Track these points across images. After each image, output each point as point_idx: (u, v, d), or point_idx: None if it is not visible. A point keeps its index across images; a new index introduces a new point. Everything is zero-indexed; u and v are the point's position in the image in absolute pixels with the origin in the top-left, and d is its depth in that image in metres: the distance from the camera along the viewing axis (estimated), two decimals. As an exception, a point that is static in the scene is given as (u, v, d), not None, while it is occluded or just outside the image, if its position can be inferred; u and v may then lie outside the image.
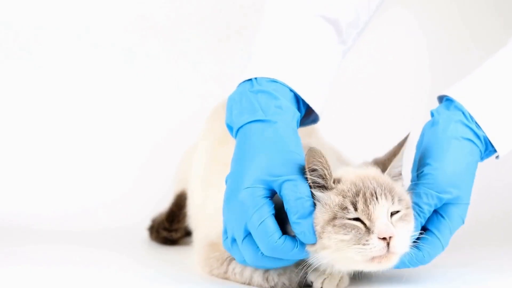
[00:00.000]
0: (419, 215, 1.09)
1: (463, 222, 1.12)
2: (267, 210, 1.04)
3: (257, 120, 1.09)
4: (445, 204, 1.11)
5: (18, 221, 1.64)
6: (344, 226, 1.02)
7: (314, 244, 1.04)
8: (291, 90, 1.13)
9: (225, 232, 1.09)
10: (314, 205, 1.05)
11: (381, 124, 1.80)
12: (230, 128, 1.14)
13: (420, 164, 1.12)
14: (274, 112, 1.10)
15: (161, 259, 1.38)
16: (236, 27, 1.80)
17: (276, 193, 1.06)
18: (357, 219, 1.03)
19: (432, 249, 1.10)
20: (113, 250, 1.43)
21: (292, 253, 1.04)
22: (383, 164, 1.10)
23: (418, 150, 1.16)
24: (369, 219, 1.03)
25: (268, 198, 1.05)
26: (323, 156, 1.04)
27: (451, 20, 1.82)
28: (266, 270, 1.10)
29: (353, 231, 1.02)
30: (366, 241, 1.01)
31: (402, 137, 1.11)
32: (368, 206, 1.03)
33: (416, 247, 1.08)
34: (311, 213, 1.04)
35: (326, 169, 1.05)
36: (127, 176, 1.78)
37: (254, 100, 1.11)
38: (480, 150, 1.14)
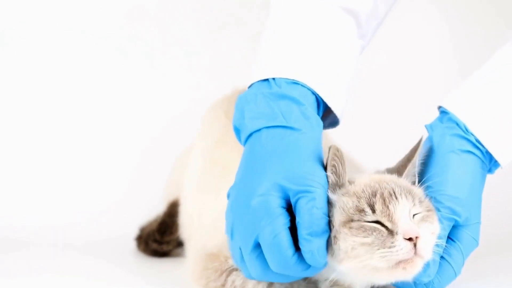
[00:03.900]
0: None
1: (478, 243, 1.06)
2: (283, 223, 0.96)
3: (277, 126, 1.02)
4: (454, 227, 1.04)
5: (5, 232, 1.60)
6: (362, 228, 0.96)
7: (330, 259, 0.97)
8: (313, 93, 1.06)
9: (233, 239, 1.01)
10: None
11: (396, 127, 1.75)
12: (238, 131, 1.06)
13: (422, 187, 1.05)
14: (297, 119, 1.03)
15: (151, 271, 1.34)
16: (232, 17, 1.77)
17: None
18: (377, 222, 0.96)
19: (443, 277, 1.03)
20: (101, 261, 1.40)
21: (305, 273, 0.98)
22: (397, 171, 1.05)
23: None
24: (391, 220, 0.96)
25: (284, 209, 0.98)
26: (339, 150, 0.99)
27: (477, 13, 1.78)
28: (271, 284, 1.03)
29: (374, 234, 0.95)
30: (392, 243, 0.94)
31: (415, 143, 1.06)
32: (387, 206, 0.96)
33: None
34: (324, 232, 0.97)
35: (341, 165, 0.99)
36: (115, 182, 1.74)
37: (273, 105, 1.03)
38: (483, 161, 1.07)
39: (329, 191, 0.98)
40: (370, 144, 1.71)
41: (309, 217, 0.95)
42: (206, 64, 1.77)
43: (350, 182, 1.00)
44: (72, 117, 1.75)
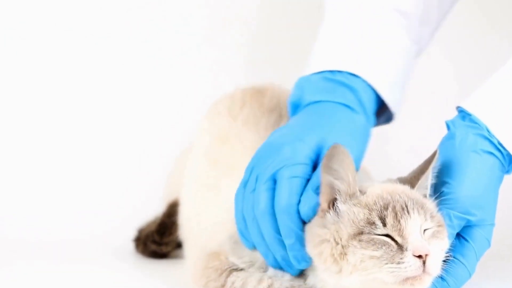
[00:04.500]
0: None
1: (490, 245, 1.05)
2: (304, 171, 1.01)
3: (336, 101, 1.10)
4: (468, 227, 1.03)
5: (5, 233, 1.60)
6: (372, 241, 0.94)
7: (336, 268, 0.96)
8: (371, 88, 1.15)
9: (251, 174, 1.04)
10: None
11: (408, 134, 1.72)
12: (295, 106, 1.14)
13: (439, 183, 1.04)
14: (355, 104, 1.11)
15: (150, 273, 1.33)
16: (232, 17, 1.74)
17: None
18: (387, 236, 0.95)
19: (458, 278, 1.02)
20: (99, 263, 1.39)
21: (295, 233, 0.99)
22: (410, 182, 1.03)
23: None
24: (401, 235, 0.95)
25: (312, 163, 1.03)
26: (349, 156, 0.96)
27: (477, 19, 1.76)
28: (271, 285, 1.02)
29: (383, 247, 0.94)
30: (401, 259, 0.93)
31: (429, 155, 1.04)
32: (399, 220, 0.95)
33: (440, 276, 0.99)
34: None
35: (351, 172, 0.97)
36: (114, 183, 1.71)
37: (334, 87, 1.12)
38: (503, 164, 1.06)
39: (339, 201, 0.97)
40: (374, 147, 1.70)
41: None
42: (206, 63, 1.75)
43: (361, 192, 0.98)
44: (71, 117, 1.73)
